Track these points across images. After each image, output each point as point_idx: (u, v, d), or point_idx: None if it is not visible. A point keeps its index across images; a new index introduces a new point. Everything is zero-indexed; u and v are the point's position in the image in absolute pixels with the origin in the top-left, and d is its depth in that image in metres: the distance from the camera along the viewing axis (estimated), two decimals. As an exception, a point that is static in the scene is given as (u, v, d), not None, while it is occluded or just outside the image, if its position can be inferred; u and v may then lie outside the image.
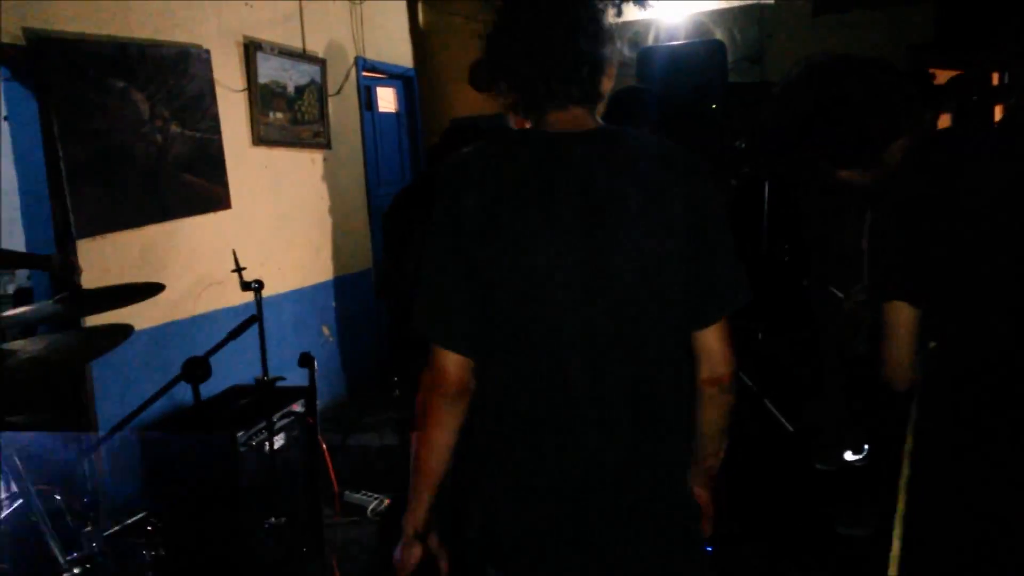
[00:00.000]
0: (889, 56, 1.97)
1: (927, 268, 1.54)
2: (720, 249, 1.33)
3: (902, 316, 1.56)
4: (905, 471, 1.69)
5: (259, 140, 4.30)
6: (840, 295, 2.26)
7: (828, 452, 3.76)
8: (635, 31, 5.42)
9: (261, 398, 2.78)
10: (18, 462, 1.56)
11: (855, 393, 3.49)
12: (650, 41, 5.28)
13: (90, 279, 3.04)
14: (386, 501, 3.25)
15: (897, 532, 1.65)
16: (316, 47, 4.83)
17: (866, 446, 3.71)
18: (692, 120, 3.86)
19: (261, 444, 2.74)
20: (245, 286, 2.60)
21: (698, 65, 3.97)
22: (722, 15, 5.28)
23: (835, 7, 4.87)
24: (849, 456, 3.74)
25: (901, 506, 1.66)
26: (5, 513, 1.68)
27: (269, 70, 4.38)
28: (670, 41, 4.97)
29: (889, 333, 1.58)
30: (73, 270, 2.94)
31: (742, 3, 5.22)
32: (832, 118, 1.60)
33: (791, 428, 4.09)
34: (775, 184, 3.80)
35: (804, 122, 1.63)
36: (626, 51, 5.25)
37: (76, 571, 1.54)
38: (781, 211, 3.90)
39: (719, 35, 5.13)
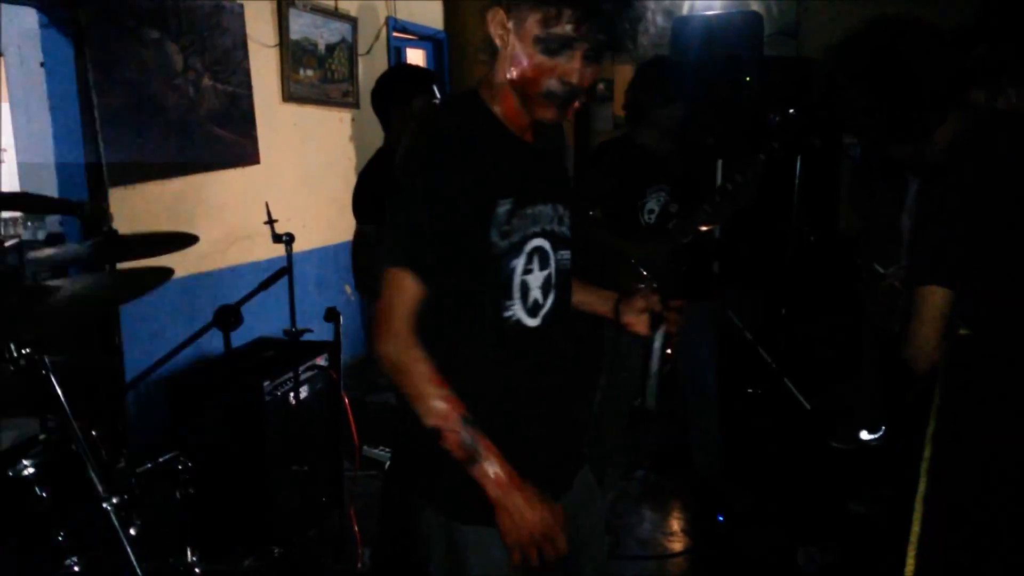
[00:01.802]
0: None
1: (969, 254, 1.53)
2: None
3: (936, 299, 1.55)
4: (927, 453, 1.69)
5: (289, 97, 4.31)
6: (882, 271, 2.26)
7: (844, 431, 3.77)
8: (670, 3, 5.35)
9: (287, 350, 2.82)
10: (61, 396, 1.60)
11: (888, 373, 3.49)
12: (685, 11, 5.21)
13: (120, 228, 3.04)
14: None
15: (917, 514, 1.66)
16: (348, 6, 4.81)
17: (883, 427, 3.72)
18: (725, 92, 3.82)
19: (286, 395, 2.78)
20: (276, 238, 2.62)
21: (734, 36, 3.92)
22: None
23: (875, -17, 4.75)
24: (865, 436, 3.75)
25: (922, 488, 1.67)
26: (49, 443, 1.73)
27: (301, 27, 4.37)
28: (706, 12, 4.91)
29: (921, 314, 1.57)
30: (104, 217, 2.97)
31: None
32: (886, 81, 1.57)
33: (808, 406, 4.09)
34: (808, 159, 3.77)
35: (857, 83, 1.60)
36: (660, 20, 5.20)
37: (115, 500, 1.59)
38: (814, 188, 3.88)
39: (755, 7, 5.05)
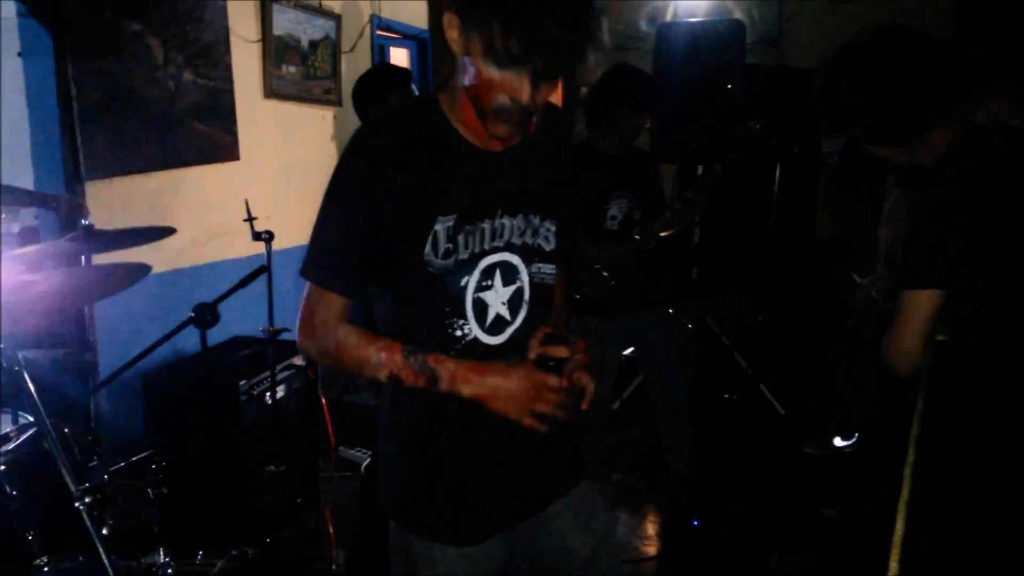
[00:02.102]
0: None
1: (959, 261, 1.55)
2: None
3: (924, 304, 1.56)
4: (911, 457, 1.72)
5: (271, 93, 4.27)
6: (859, 280, 2.29)
7: (819, 438, 3.81)
8: (653, 6, 5.39)
9: (264, 349, 2.80)
10: (33, 392, 1.58)
11: (863, 379, 3.53)
12: (668, 18, 5.25)
13: (97, 222, 2.99)
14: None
15: (901, 516, 1.69)
16: (332, 3, 4.78)
17: (856, 434, 3.76)
18: (708, 99, 3.85)
19: (262, 394, 2.76)
20: (256, 236, 2.60)
21: (717, 44, 3.95)
22: (743, -4, 5.25)
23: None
24: (839, 442, 3.79)
25: (906, 491, 1.70)
26: (20, 440, 1.70)
27: (284, 22, 4.34)
28: (689, 19, 4.94)
29: (906, 319, 1.59)
30: (81, 210, 2.94)
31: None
32: (886, 82, 1.58)
33: (783, 412, 4.13)
34: (787, 167, 3.81)
35: (857, 86, 1.61)
36: (644, 26, 5.24)
37: (88, 500, 1.57)
38: (792, 195, 3.92)
39: (738, 15, 5.10)
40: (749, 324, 4.48)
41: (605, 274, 2.89)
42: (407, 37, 5.85)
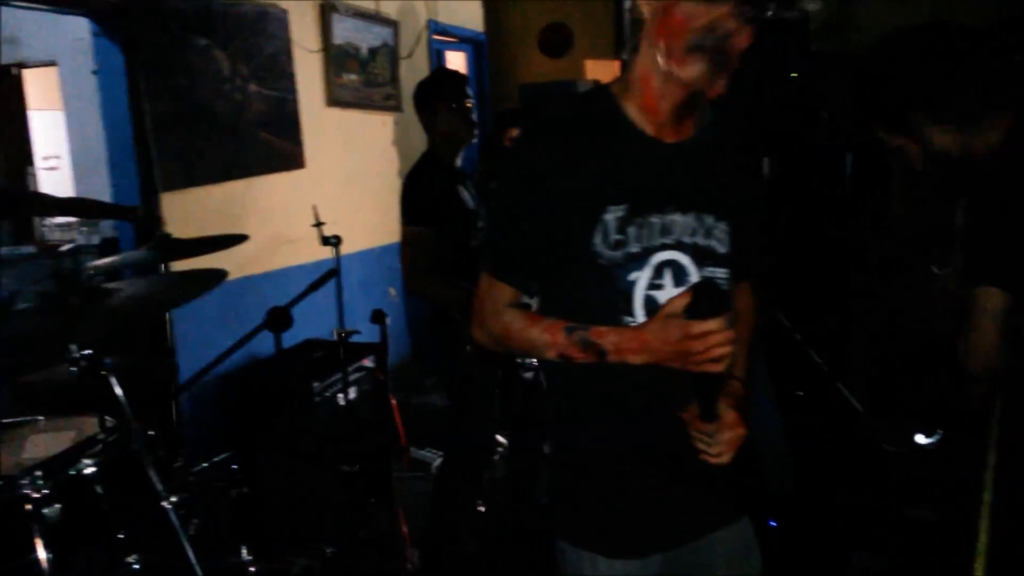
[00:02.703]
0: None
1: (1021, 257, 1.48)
2: None
3: (992, 302, 1.50)
4: (992, 461, 1.64)
5: (333, 101, 4.35)
6: (937, 272, 2.19)
7: (898, 434, 3.68)
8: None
9: (336, 351, 2.84)
10: (120, 395, 1.63)
11: (944, 375, 3.40)
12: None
13: (172, 231, 3.13)
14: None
15: (984, 524, 1.61)
16: (389, 9, 4.84)
17: (939, 431, 3.62)
18: (771, 88, 3.76)
19: (334, 396, 2.80)
20: (325, 241, 2.64)
21: (779, 35, 3.85)
22: (805, -18, 5.11)
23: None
24: (920, 439, 3.65)
25: (988, 497, 1.62)
26: (108, 442, 1.76)
27: (344, 31, 4.41)
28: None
29: (976, 318, 1.52)
30: (157, 222, 3.03)
31: (826, -30, 5.04)
32: (946, 69, 1.53)
33: (861, 409, 4.00)
34: (860, 154, 3.69)
35: (926, 61, 1.56)
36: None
37: (174, 499, 1.61)
38: (865, 186, 3.79)
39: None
40: (824, 318, 4.35)
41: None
42: (463, 40, 5.88)
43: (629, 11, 1.27)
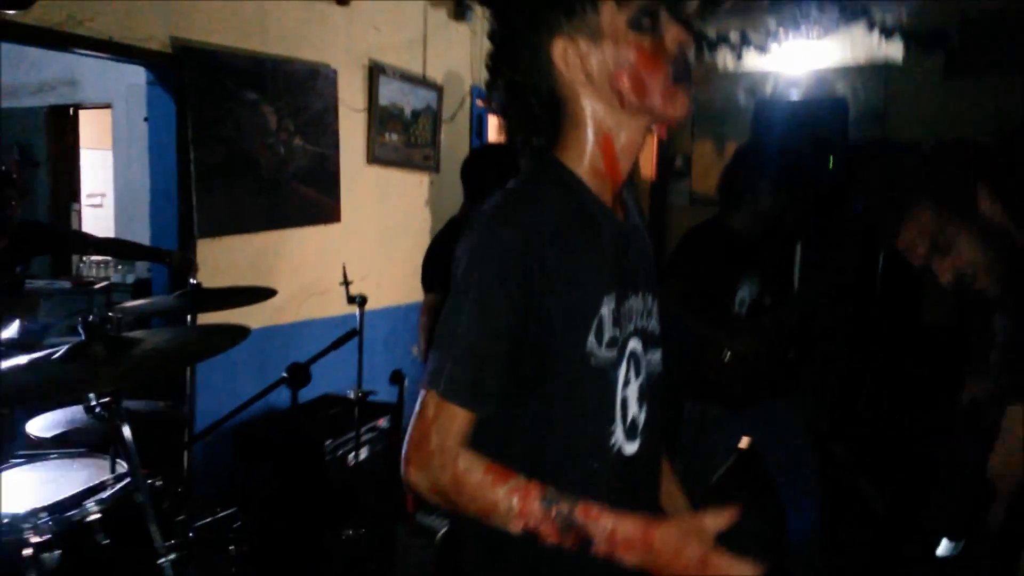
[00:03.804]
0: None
1: None
2: None
3: (1019, 421, 1.47)
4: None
5: (373, 159, 4.44)
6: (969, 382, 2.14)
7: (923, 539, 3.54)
8: (752, 78, 5.34)
9: (351, 410, 2.84)
10: (131, 443, 1.63)
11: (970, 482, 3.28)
12: (768, 91, 5.19)
13: (203, 278, 3.17)
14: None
15: None
16: (435, 73, 4.97)
17: (963, 538, 3.47)
18: (809, 179, 3.76)
19: (346, 455, 2.79)
20: (351, 299, 2.67)
21: (819, 123, 3.87)
22: (846, 72, 5.15)
23: (970, 70, 4.59)
24: (943, 548, 3.51)
25: None
26: (115, 489, 1.76)
27: (389, 93, 4.53)
28: (788, 93, 4.88)
29: (1006, 435, 1.49)
30: (191, 267, 3.10)
31: (868, 61, 5.07)
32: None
33: (881, 510, 3.87)
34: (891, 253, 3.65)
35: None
36: (742, 99, 5.19)
37: (172, 556, 1.60)
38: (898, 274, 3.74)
39: (840, 88, 4.99)
40: (847, 409, 4.25)
41: (733, 361, 2.71)
42: (505, 107, 5.99)
43: (535, 93, 1.11)
